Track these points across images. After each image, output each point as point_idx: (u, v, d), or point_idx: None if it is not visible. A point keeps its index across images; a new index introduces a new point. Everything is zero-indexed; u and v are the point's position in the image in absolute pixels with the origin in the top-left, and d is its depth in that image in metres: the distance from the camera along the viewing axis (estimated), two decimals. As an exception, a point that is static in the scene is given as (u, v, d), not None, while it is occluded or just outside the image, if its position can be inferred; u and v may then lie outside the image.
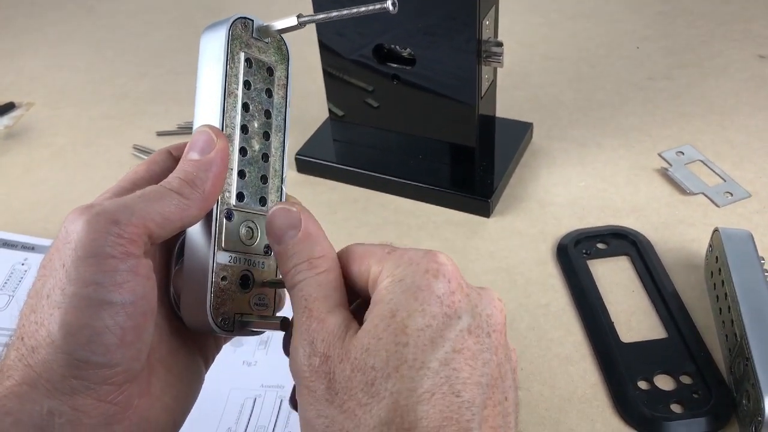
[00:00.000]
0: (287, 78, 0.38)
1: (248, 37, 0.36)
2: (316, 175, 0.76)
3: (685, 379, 0.53)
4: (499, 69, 0.71)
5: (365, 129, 0.76)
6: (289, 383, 0.54)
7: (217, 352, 0.39)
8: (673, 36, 0.95)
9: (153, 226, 0.30)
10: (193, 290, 0.34)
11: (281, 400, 0.53)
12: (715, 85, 0.85)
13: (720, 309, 0.56)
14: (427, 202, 0.72)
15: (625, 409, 0.51)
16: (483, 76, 0.68)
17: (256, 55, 0.36)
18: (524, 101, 0.85)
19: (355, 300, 0.33)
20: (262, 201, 0.37)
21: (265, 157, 0.37)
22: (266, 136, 0.37)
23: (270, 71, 0.37)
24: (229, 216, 0.35)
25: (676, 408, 0.51)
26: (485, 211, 0.69)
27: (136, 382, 0.31)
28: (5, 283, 0.66)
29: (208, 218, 0.34)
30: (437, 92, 0.69)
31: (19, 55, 1.08)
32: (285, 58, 0.38)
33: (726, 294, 0.54)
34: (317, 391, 0.29)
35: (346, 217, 0.71)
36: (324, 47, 0.72)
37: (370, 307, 0.30)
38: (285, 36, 0.38)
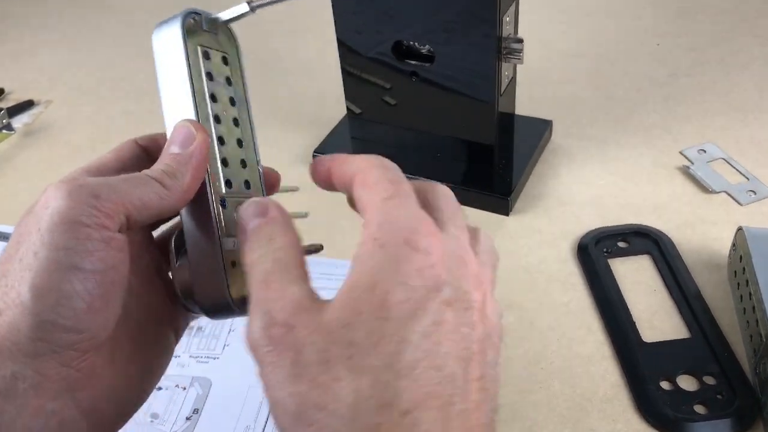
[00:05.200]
0: (240, 63, 0.40)
1: (201, 30, 0.37)
2: (333, 173, 0.76)
3: (709, 380, 0.52)
4: (518, 66, 0.70)
5: (383, 127, 0.76)
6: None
7: (187, 326, 0.40)
8: (695, 32, 0.94)
9: (131, 209, 0.31)
10: (209, 280, 0.35)
11: (300, 399, 0.53)
12: (737, 82, 0.84)
13: (744, 309, 0.55)
14: (445, 199, 0.71)
15: (647, 410, 0.51)
16: (503, 73, 0.67)
17: (211, 46, 0.37)
18: (543, 98, 0.85)
19: None
20: (247, 184, 0.38)
21: (240, 142, 0.38)
22: (236, 122, 0.38)
23: (225, 60, 0.38)
24: (223, 204, 0.36)
25: (699, 409, 0.50)
26: (504, 210, 0.69)
27: (101, 352, 0.31)
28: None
29: (205, 209, 0.35)
30: (456, 90, 0.69)
31: (38, 53, 1.08)
32: (234, 45, 0.40)
33: (750, 294, 0.53)
34: (283, 367, 0.27)
35: (364, 215, 0.71)
36: (342, 45, 0.72)
37: (354, 261, 0.29)
38: (233, 24, 0.40)
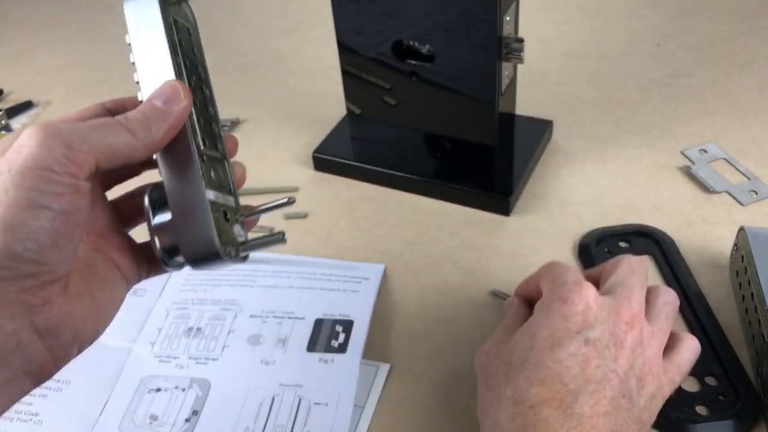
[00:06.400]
0: (198, 37, 0.42)
1: (171, 1, 0.39)
2: (333, 173, 0.76)
3: (711, 381, 0.52)
4: (518, 66, 0.70)
5: (383, 127, 0.76)
6: (307, 382, 0.54)
7: (139, 281, 0.41)
8: (696, 32, 0.94)
9: (101, 157, 0.33)
10: (196, 230, 0.36)
11: (299, 399, 0.53)
12: (739, 82, 0.84)
13: (746, 309, 0.55)
14: (445, 200, 0.71)
15: (649, 411, 0.50)
16: (503, 72, 0.67)
17: (178, 17, 0.39)
18: (544, 99, 0.84)
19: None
20: (215, 146, 0.40)
21: (205, 107, 0.40)
22: (200, 89, 0.40)
23: (188, 32, 0.41)
24: (202, 158, 0.37)
25: (701, 410, 0.50)
26: (505, 210, 0.69)
27: (58, 283, 0.34)
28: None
29: (189, 162, 0.36)
30: (456, 89, 0.69)
31: (37, 53, 1.08)
32: (193, 19, 0.42)
33: (752, 294, 0.53)
34: (480, 376, 0.46)
35: (364, 216, 0.70)
36: (342, 46, 0.72)
37: None
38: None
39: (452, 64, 0.67)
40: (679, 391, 0.51)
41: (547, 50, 0.94)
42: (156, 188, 0.38)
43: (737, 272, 0.58)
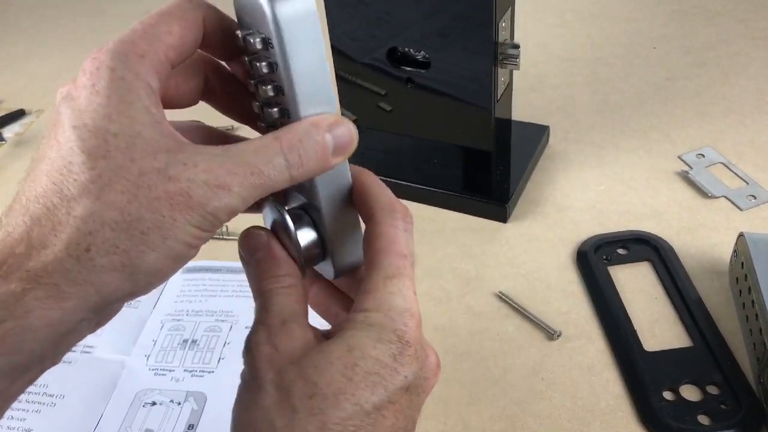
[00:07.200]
0: None
1: None
2: (329, 181, 0.75)
3: (712, 390, 0.51)
4: (514, 71, 0.70)
5: (379, 134, 0.75)
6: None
7: None
8: (691, 35, 0.94)
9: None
10: (350, 246, 0.38)
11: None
12: (735, 84, 0.84)
13: (747, 317, 0.54)
14: (442, 207, 0.71)
15: (650, 421, 0.50)
16: (499, 78, 0.66)
17: None
18: (540, 104, 0.84)
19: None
20: None
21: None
22: None
23: None
24: None
25: (703, 419, 0.50)
26: (502, 216, 0.68)
27: None
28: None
29: (345, 184, 0.37)
30: (452, 95, 0.68)
31: (29, 61, 1.07)
32: None
33: (753, 301, 0.53)
34: (261, 380, 0.33)
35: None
36: (336, 51, 0.71)
37: (342, 326, 0.34)
38: None
39: (448, 70, 0.67)
40: (681, 402, 0.51)
41: (543, 54, 0.93)
42: (297, 208, 0.38)
43: (737, 279, 0.57)
